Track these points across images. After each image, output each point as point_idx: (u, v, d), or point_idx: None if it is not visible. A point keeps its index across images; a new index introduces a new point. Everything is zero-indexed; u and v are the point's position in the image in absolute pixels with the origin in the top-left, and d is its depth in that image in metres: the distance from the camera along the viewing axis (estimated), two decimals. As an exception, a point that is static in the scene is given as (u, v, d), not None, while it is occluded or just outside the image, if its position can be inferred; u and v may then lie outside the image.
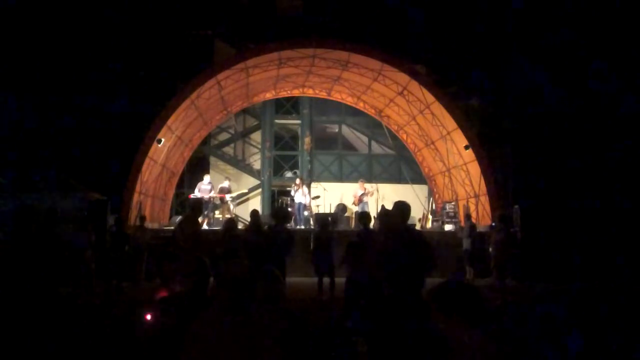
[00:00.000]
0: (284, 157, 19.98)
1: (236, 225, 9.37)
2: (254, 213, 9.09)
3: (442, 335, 2.13)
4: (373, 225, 10.23)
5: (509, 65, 16.74)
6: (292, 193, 15.85)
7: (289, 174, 19.96)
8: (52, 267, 5.15)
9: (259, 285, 2.69)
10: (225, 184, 16.29)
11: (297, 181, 15.94)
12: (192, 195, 16.15)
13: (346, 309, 6.28)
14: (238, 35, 16.66)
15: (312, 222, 15.17)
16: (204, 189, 15.48)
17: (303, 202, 15.49)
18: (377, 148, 20.37)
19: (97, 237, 10.66)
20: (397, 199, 5.37)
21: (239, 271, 2.63)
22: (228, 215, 15.33)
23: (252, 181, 19.51)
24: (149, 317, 3.29)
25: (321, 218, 12.32)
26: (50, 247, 5.20)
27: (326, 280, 9.32)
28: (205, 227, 14.28)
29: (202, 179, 15.94)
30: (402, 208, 4.85)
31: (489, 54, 17.06)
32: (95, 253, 10.38)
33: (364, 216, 8.89)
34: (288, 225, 15.83)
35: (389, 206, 19.33)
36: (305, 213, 15.64)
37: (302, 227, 14.83)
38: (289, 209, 16.50)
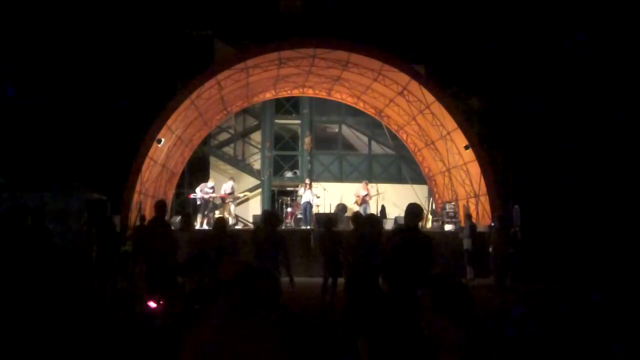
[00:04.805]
0: (284, 157, 19.98)
1: (226, 224, 9.40)
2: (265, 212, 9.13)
3: (431, 334, 2.11)
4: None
5: (509, 65, 16.74)
6: (301, 192, 15.87)
7: (289, 174, 19.97)
8: (44, 262, 5.19)
9: (258, 284, 2.69)
10: (229, 184, 16.27)
11: (307, 181, 15.97)
12: (192, 195, 16.16)
13: (347, 308, 6.29)
14: (238, 35, 16.65)
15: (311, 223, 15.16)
16: (205, 191, 15.45)
17: (311, 202, 15.47)
18: (377, 148, 20.36)
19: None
20: (397, 199, 5.46)
21: (238, 270, 2.63)
22: (228, 216, 15.34)
23: (252, 181, 19.50)
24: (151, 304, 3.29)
25: (324, 219, 12.27)
26: (41, 243, 5.25)
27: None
28: (205, 226, 14.30)
29: (205, 180, 15.93)
30: (411, 210, 5.04)
31: (489, 54, 17.07)
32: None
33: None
34: (289, 225, 15.99)
35: (390, 207, 19.17)
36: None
37: (310, 226, 14.78)
38: (289, 209, 16.53)
